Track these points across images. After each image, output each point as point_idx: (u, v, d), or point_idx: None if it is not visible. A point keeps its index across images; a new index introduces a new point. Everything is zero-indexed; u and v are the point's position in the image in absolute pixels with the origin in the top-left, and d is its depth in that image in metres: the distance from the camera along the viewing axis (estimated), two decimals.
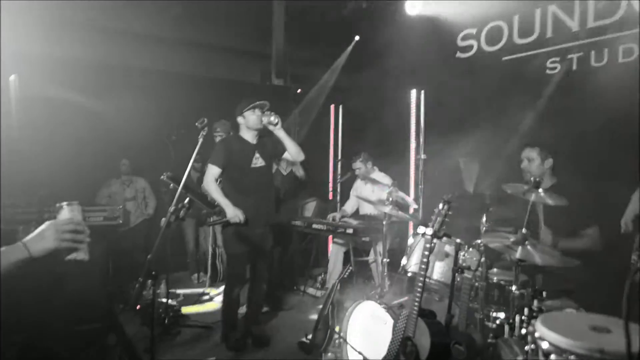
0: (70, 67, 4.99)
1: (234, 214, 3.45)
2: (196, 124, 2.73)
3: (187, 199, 2.61)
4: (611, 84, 3.58)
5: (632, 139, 3.07)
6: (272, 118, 3.51)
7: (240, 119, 3.64)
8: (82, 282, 3.68)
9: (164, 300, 4.13)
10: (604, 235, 2.91)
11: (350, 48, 6.00)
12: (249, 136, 3.65)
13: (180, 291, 5.03)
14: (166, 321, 3.96)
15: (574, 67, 3.99)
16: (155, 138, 5.27)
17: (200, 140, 2.71)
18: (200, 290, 5.12)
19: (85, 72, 5.14)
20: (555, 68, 4.12)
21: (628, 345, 1.10)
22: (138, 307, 4.17)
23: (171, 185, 3.65)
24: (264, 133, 3.70)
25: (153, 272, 2.56)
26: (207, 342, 3.80)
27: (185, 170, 2.68)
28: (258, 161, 3.64)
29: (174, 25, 5.85)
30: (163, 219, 2.71)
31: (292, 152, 3.65)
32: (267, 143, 3.73)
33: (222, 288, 4.97)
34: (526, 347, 1.52)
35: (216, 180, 3.59)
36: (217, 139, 4.70)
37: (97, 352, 3.18)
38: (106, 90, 5.15)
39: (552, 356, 1.41)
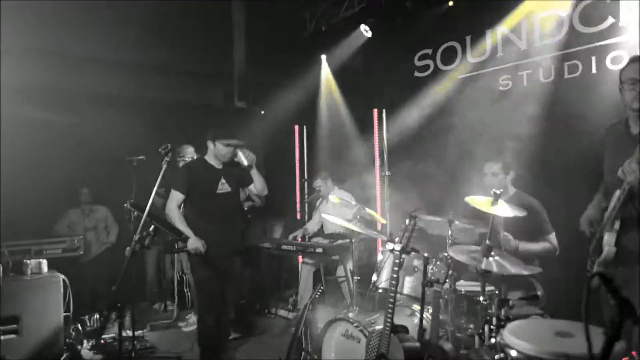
0: (24, 93, 4.82)
1: (194, 245, 3.36)
2: (159, 150, 2.71)
3: (152, 227, 2.57)
4: (560, 98, 3.79)
5: (584, 147, 3.21)
6: (245, 160, 3.55)
7: (210, 145, 3.56)
8: (38, 319, 3.53)
9: (130, 332, 3.98)
10: (562, 242, 3.06)
11: (318, 67, 6.07)
12: (215, 162, 3.60)
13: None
14: (132, 354, 3.81)
15: (525, 83, 4.20)
16: (116, 165, 5.14)
17: (164, 167, 2.69)
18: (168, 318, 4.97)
19: (41, 98, 4.98)
20: (507, 85, 4.33)
21: (589, 349, 1.15)
22: (102, 341, 4.01)
23: (135, 212, 3.56)
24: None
25: (118, 304, 2.49)
26: None
27: (149, 196, 2.63)
28: (224, 187, 3.57)
29: (131, 49, 5.77)
30: (128, 248, 2.65)
31: (259, 187, 3.72)
32: (233, 169, 3.68)
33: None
34: (496, 357, 1.56)
35: (179, 206, 3.50)
36: (181, 164, 4.63)
37: None
38: (62, 117, 5.00)
39: None
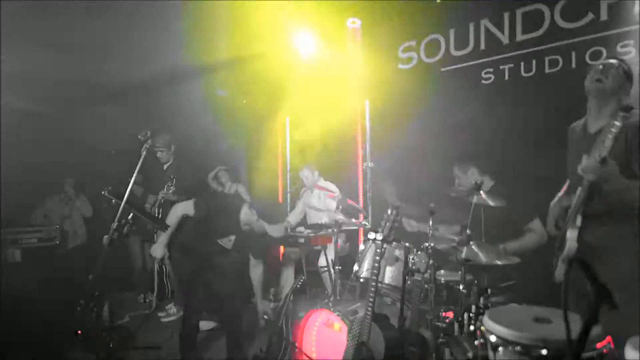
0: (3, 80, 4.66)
1: (154, 253, 3.31)
2: (139, 136, 2.65)
3: (131, 215, 2.51)
4: (541, 92, 3.84)
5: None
6: None
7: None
8: (14, 310, 3.43)
9: (108, 323, 3.91)
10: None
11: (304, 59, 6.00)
12: None
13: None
14: (111, 345, 3.74)
15: (506, 77, 4.24)
16: (96, 153, 5.02)
17: (144, 154, 2.63)
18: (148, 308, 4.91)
19: (19, 87, 4.82)
20: (489, 78, 4.36)
21: (568, 334, 1.17)
22: (79, 332, 3.93)
23: (113, 200, 3.48)
24: None
25: (96, 294, 2.43)
26: None
27: (128, 185, 2.58)
28: None
29: (110, 34, 5.62)
30: (105, 237, 2.59)
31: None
32: None
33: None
34: (475, 342, 1.58)
35: None
36: (158, 154, 4.56)
37: None
38: (38, 104, 4.86)
39: (500, 349, 1.48)
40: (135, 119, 4.67)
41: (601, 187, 2.07)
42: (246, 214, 3.21)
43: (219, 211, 3.30)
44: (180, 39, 6.06)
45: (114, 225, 2.43)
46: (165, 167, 4.68)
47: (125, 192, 2.54)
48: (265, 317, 3.75)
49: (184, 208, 3.30)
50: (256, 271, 3.52)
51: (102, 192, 3.16)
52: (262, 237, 3.38)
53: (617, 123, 1.97)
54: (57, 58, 5.35)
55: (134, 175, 2.58)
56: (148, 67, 6.16)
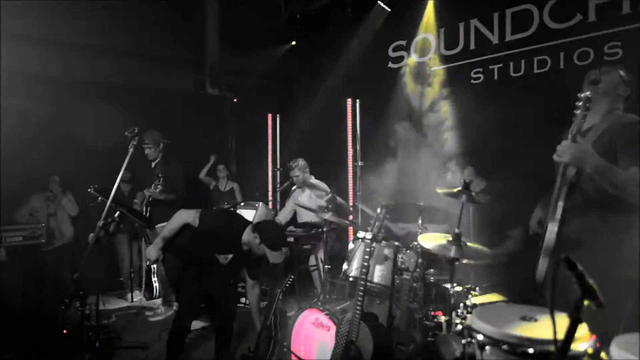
0: None
1: (148, 254, 3.20)
2: (126, 133, 2.61)
3: (118, 213, 2.48)
4: (529, 92, 3.87)
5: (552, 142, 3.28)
6: None
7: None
8: None
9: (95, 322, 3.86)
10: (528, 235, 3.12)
11: (281, 53, 5.99)
12: None
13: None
14: (97, 344, 3.70)
15: (495, 77, 4.26)
16: (82, 150, 4.96)
17: (131, 150, 2.59)
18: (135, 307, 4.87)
19: (8, 82, 4.75)
20: (479, 78, 4.38)
21: (554, 333, 1.17)
22: (65, 331, 3.87)
23: (99, 198, 3.43)
24: None
25: (81, 292, 2.40)
26: None
27: (114, 182, 2.55)
28: None
29: (100, 33, 5.57)
30: (91, 235, 2.55)
31: None
32: None
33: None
34: (462, 341, 1.58)
35: None
36: (146, 151, 4.51)
37: None
38: (24, 100, 4.78)
39: (487, 347, 1.48)
40: (123, 116, 4.61)
41: (579, 174, 2.07)
42: (248, 235, 3.16)
43: (222, 228, 3.24)
44: (172, 35, 6.05)
45: (100, 223, 2.39)
46: (153, 164, 4.63)
47: (111, 190, 2.51)
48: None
49: (189, 217, 3.22)
50: (253, 293, 3.46)
51: (88, 190, 3.12)
52: (260, 261, 3.34)
53: (586, 94, 2.01)
54: (44, 54, 5.29)
55: (121, 172, 2.54)
56: (136, 65, 6.14)
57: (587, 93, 2.03)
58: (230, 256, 3.26)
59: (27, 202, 4.92)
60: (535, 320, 1.54)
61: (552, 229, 2.08)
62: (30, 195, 4.96)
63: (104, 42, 5.69)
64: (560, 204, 2.10)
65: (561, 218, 2.08)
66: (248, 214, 4.68)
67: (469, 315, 1.83)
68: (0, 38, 4.21)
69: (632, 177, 1.96)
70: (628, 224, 2.03)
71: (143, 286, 5.10)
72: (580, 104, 2.03)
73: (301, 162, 4.87)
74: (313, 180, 4.88)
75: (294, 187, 5.02)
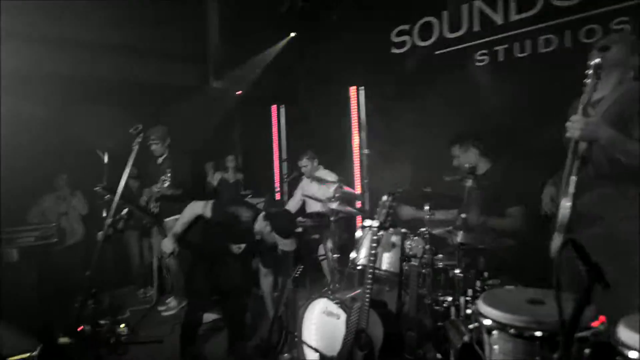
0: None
1: (164, 248, 3.25)
2: (130, 130, 2.63)
3: (126, 210, 2.51)
4: (534, 72, 3.81)
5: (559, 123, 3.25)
6: None
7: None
8: (11, 308, 3.43)
9: (109, 319, 3.93)
10: (532, 216, 3.10)
11: (282, 44, 5.95)
12: None
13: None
14: (111, 341, 3.76)
15: (501, 58, 4.20)
16: (88, 148, 4.99)
17: (136, 148, 2.61)
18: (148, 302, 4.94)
19: (10, 81, 4.78)
20: (483, 60, 4.32)
21: (560, 314, 1.17)
22: (79, 328, 3.94)
23: (107, 196, 3.47)
24: None
25: (93, 290, 2.44)
26: (158, 357, 3.65)
27: (121, 180, 2.57)
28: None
29: (102, 29, 5.57)
30: (100, 233, 2.58)
31: None
32: None
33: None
34: (470, 326, 1.59)
35: None
36: (152, 147, 4.53)
37: None
38: (32, 99, 4.82)
39: (494, 331, 1.48)
40: (127, 112, 4.63)
41: (590, 147, 2.04)
42: (260, 225, 3.18)
43: (234, 217, 3.26)
44: (173, 30, 6.05)
45: (109, 221, 2.42)
46: (160, 160, 4.65)
47: (118, 187, 2.53)
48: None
49: (202, 208, 3.25)
50: (266, 281, 3.48)
51: (95, 188, 3.15)
52: (273, 249, 3.36)
53: (596, 61, 1.96)
54: (47, 53, 5.32)
55: (127, 169, 2.56)
56: (139, 60, 6.15)
57: (598, 60, 1.96)
58: (243, 246, 3.29)
59: (38, 202, 4.99)
60: (543, 303, 1.54)
61: (565, 205, 2.04)
62: (41, 196, 5.02)
63: (106, 38, 5.69)
64: (573, 178, 2.05)
65: (574, 192, 2.04)
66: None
67: (476, 300, 1.82)
68: (0, 37, 4.22)
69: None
70: None
71: (155, 281, 5.17)
72: (591, 72, 1.96)
73: (309, 152, 4.88)
74: (321, 170, 4.89)
75: (302, 178, 5.03)
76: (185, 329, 3.44)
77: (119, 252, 5.28)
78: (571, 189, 2.05)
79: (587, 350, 1.40)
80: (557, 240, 2.03)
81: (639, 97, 2.02)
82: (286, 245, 3.11)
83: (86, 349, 3.55)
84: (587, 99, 1.99)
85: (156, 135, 4.49)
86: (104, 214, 2.43)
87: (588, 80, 1.98)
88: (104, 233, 2.43)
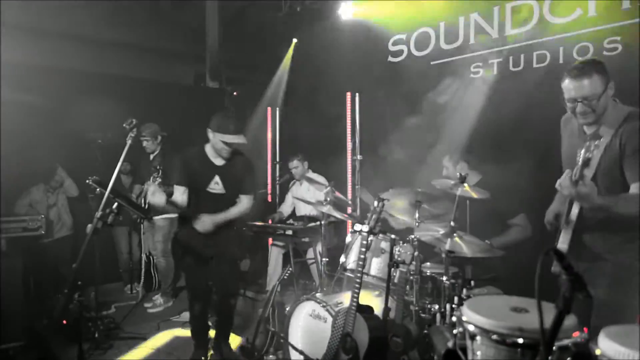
0: None
1: (201, 226, 3.19)
2: (124, 124, 2.63)
3: (116, 204, 2.50)
4: (529, 86, 3.86)
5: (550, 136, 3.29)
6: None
7: (210, 134, 3.19)
8: None
9: (94, 313, 3.91)
10: (534, 224, 3.14)
11: (290, 51, 5.98)
12: (213, 155, 3.27)
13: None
14: (96, 335, 3.74)
15: (495, 72, 4.26)
16: (81, 142, 4.98)
17: (129, 142, 2.61)
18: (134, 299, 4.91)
19: (8, 76, 4.76)
20: (478, 72, 4.38)
21: (541, 322, 1.19)
22: (64, 321, 3.92)
23: (98, 190, 3.45)
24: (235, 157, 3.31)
25: (79, 283, 2.43)
26: (141, 354, 3.63)
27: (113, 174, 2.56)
28: (217, 187, 3.26)
29: (101, 26, 5.57)
30: (89, 226, 2.57)
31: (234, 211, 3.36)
32: (234, 169, 3.30)
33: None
34: (454, 331, 1.60)
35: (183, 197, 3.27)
36: (144, 144, 4.55)
37: None
38: (24, 93, 4.79)
39: (478, 337, 1.50)
40: (122, 108, 4.62)
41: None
42: None
43: None
44: (173, 28, 6.05)
45: (98, 214, 2.41)
46: (151, 157, 4.66)
47: (109, 181, 2.52)
48: None
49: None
50: None
51: (87, 181, 3.14)
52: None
53: (585, 153, 1.90)
54: (44, 46, 5.31)
55: (119, 164, 2.56)
56: (137, 57, 6.15)
57: (587, 154, 1.88)
58: (220, 187, 3.32)
59: (26, 194, 4.94)
60: (527, 311, 1.56)
61: (565, 238, 2.05)
62: (30, 187, 4.98)
63: (104, 34, 5.70)
64: (575, 211, 2.05)
65: (574, 228, 2.05)
66: None
67: (461, 307, 1.84)
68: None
69: (634, 203, 1.91)
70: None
71: (142, 278, 5.14)
72: (583, 155, 1.90)
73: (300, 155, 4.91)
74: (311, 173, 4.91)
75: (293, 181, 5.05)
76: (193, 333, 3.48)
77: (107, 247, 5.24)
78: (571, 225, 2.05)
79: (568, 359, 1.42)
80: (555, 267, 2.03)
81: (634, 133, 1.97)
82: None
83: (70, 342, 3.52)
84: (579, 174, 1.91)
85: (147, 132, 4.51)
86: (99, 208, 2.40)
87: (580, 159, 1.92)
88: (93, 226, 2.41)
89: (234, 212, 3.31)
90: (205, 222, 3.17)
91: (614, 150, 2.01)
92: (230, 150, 3.20)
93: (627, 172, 1.98)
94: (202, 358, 3.38)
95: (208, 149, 3.27)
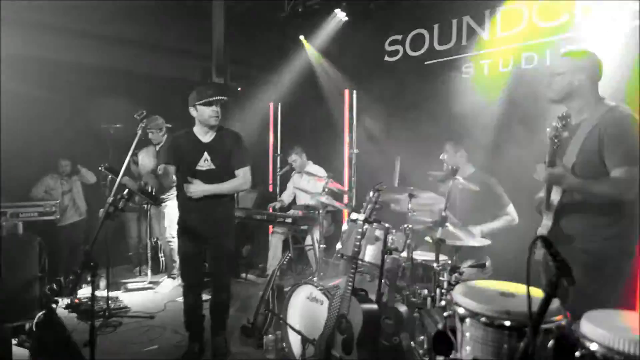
0: (3, 63, 4.52)
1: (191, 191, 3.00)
2: (135, 115, 2.59)
3: (127, 190, 2.47)
4: (518, 85, 3.84)
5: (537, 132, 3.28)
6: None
7: (193, 111, 3.03)
8: (14, 278, 3.38)
9: (105, 293, 3.90)
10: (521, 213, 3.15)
11: (295, 47, 5.91)
12: (202, 132, 3.08)
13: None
14: (107, 313, 3.73)
15: (485, 72, 4.23)
16: (92, 134, 4.95)
17: (139, 132, 2.57)
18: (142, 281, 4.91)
19: (23, 68, 4.70)
20: (469, 72, 4.35)
21: (529, 306, 1.18)
22: (77, 300, 3.91)
23: (110, 176, 3.42)
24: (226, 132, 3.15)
25: (92, 263, 2.40)
26: (150, 332, 3.63)
27: (124, 162, 2.53)
28: (206, 163, 3.06)
29: (109, 22, 5.50)
30: (101, 210, 2.55)
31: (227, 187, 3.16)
32: (223, 144, 3.10)
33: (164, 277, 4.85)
34: (444, 313, 1.60)
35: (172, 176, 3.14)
36: (150, 136, 4.53)
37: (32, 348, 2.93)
38: (39, 86, 4.75)
39: (467, 319, 1.49)
40: (131, 102, 4.58)
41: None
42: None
43: None
44: (179, 25, 5.98)
45: (110, 199, 2.38)
46: (157, 147, 4.65)
47: (121, 168, 2.50)
48: None
49: None
50: None
51: (99, 168, 3.11)
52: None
53: (550, 130, 1.92)
54: (56, 42, 5.24)
55: (130, 151, 2.53)
56: (145, 53, 6.09)
57: (551, 132, 1.90)
58: (209, 163, 3.14)
59: (41, 181, 4.93)
60: (514, 296, 1.55)
61: (546, 223, 2.07)
62: (44, 175, 4.96)
63: (113, 31, 5.63)
64: (554, 200, 2.06)
65: (556, 212, 2.06)
66: None
67: (451, 291, 1.84)
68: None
69: (609, 185, 1.91)
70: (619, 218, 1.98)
71: (150, 262, 5.13)
72: (550, 135, 1.92)
73: (298, 148, 4.89)
74: (311, 165, 4.89)
75: (293, 172, 5.04)
76: (187, 315, 3.23)
77: (117, 232, 5.23)
78: (552, 209, 2.06)
79: (551, 342, 1.41)
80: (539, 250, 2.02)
81: (616, 124, 1.96)
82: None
83: (81, 320, 3.52)
84: (550, 157, 1.94)
85: (153, 124, 4.49)
86: (111, 193, 2.38)
87: (549, 141, 1.93)
88: (105, 210, 2.39)
89: (226, 186, 3.10)
90: (195, 188, 3.01)
91: (593, 140, 1.98)
92: (218, 112, 3.00)
93: (606, 160, 1.95)
94: (197, 350, 3.17)
95: (196, 128, 3.10)
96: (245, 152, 3.15)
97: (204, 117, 3.00)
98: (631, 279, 2.07)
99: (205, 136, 3.08)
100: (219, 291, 3.23)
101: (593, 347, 1.27)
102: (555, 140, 1.90)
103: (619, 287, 1.99)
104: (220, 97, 2.98)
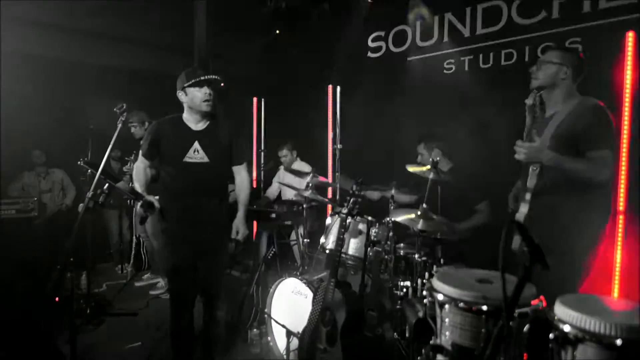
0: None
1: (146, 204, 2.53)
2: (115, 109, 2.56)
3: (107, 185, 2.45)
4: (497, 81, 3.91)
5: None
6: None
7: (181, 96, 2.64)
8: None
9: (85, 290, 3.85)
10: (495, 209, 3.22)
11: (277, 43, 5.90)
12: (193, 119, 2.66)
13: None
14: (88, 311, 3.69)
15: (466, 68, 4.30)
16: (73, 129, 4.86)
17: (119, 126, 2.54)
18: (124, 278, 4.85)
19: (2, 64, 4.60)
20: (451, 69, 4.41)
21: (504, 290, 1.22)
22: (57, 299, 3.84)
23: (89, 171, 3.37)
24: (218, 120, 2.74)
25: (71, 259, 2.38)
26: (132, 329, 3.60)
27: (104, 157, 2.50)
28: (197, 155, 2.63)
29: (90, 16, 5.41)
30: (81, 205, 2.52)
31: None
32: (218, 133, 2.70)
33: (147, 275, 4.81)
34: (425, 300, 1.64)
35: (145, 173, 2.75)
36: (132, 130, 4.48)
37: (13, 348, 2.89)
38: (17, 81, 4.64)
39: (446, 305, 1.54)
40: (112, 97, 4.51)
41: (541, 167, 2.14)
42: None
43: None
44: (161, 20, 5.91)
45: (89, 194, 2.35)
46: (140, 142, 4.58)
47: (100, 163, 2.47)
48: None
49: None
50: None
51: (78, 162, 3.06)
52: None
53: (529, 99, 2.14)
54: (36, 36, 5.14)
55: (110, 145, 2.50)
56: (127, 47, 6.00)
57: (529, 101, 2.11)
58: (202, 154, 2.78)
59: (19, 178, 4.83)
60: (491, 282, 1.60)
61: (522, 210, 2.15)
62: (22, 171, 4.86)
63: (94, 25, 5.54)
64: (529, 186, 2.16)
65: (530, 200, 2.15)
66: None
67: (431, 279, 1.88)
68: None
69: (585, 163, 2.04)
70: (590, 202, 2.09)
71: (132, 259, 5.08)
72: (529, 104, 2.11)
73: (290, 143, 4.90)
74: (298, 162, 4.92)
75: (281, 167, 5.05)
76: (176, 336, 2.79)
77: (98, 230, 5.16)
78: (527, 197, 2.15)
79: (527, 326, 1.46)
80: (516, 240, 2.10)
81: (587, 113, 2.12)
82: None
83: (62, 319, 3.46)
84: (529, 126, 2.09)
85: (135, 118, 4.43)
86: (91, 188, 2.35)
87: (526, 117, 2.12)
88: (85, 205, 2.36)
89: (243, 195, 2.76)
90: (240, 229, 2.71)
91: (567, 127, 2.13)
92: (211, 96, 2.60)
93: (581, 145, 2.10)
94: None
95: (185, 115, 2.68)
96: (246, 145, 2.85)
97: (195, 101, 2.58)
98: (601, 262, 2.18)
99: (196, 124, 2.67)
100: (212, 308, 2.87)
101: (566, 328, 1.32)
102: (535, 109, 2.03)
103: (585, 270, 2.10)
104: (213, 77, 2.61)
